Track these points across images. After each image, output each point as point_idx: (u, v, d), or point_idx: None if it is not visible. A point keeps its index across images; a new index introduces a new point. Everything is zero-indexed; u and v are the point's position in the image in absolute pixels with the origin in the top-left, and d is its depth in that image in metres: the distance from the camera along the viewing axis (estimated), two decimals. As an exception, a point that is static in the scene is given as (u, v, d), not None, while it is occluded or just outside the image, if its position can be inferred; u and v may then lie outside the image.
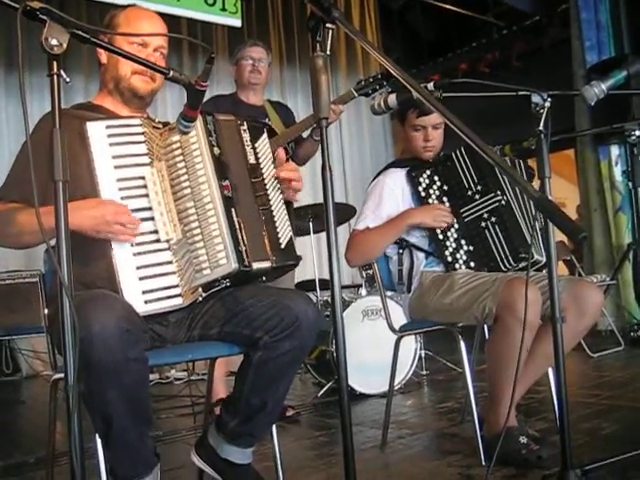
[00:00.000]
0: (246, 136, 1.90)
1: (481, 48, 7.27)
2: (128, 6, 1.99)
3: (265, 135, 1.96)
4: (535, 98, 1.81)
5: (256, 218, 1.83)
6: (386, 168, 2.73)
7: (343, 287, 5.32)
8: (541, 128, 1.79)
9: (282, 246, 1.86)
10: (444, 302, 2.41)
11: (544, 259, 2.41)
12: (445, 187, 2.56)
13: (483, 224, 2.47)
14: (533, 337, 2.21)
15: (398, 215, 2.53)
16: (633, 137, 4.17)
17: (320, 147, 1.41)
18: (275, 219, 1.88)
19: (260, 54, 3.41)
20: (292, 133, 3.19)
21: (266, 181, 1.89)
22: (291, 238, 1.90)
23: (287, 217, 1.92)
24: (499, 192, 2.46)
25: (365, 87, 3.06)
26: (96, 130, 1.73)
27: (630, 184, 5.03)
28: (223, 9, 5.58)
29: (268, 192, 1.89)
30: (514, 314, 2.15)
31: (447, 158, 2.58)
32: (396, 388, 3.60)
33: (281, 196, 1.92)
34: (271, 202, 1.88)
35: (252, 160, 1.89)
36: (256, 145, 1.92)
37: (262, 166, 1.90)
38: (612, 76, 1.79)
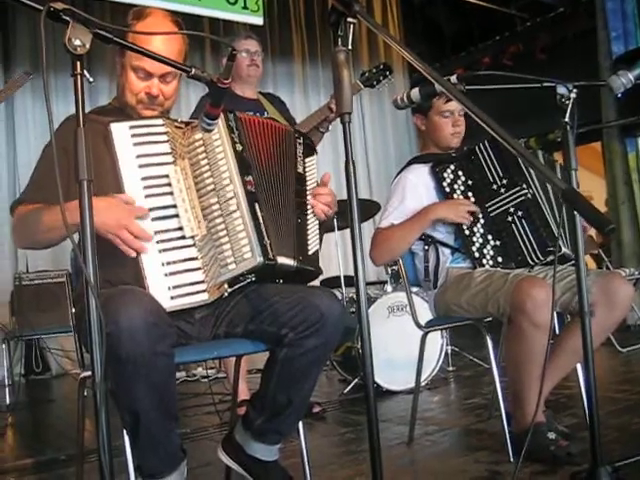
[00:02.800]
0: (300, 148, 1.96)
1: (504, 41, 7.18)
2: (145, 11, 1.92)
3: (315, 157, 2.04)
4: (560, 89, 1.78)
5: (287, 217, 1.85)
6: (408, 164, 2.71)
7: (368, 284, 5.31)
8: (567, 120, 1.77)
9: (309, 252, 1.89)
10: (461, 300, 2.41)
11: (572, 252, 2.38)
12: (470, 182, 2.53)
13: (510, 218, 2.45)
14: (548, 337, 2.18)
15: (421, 210, 2.51)
16: (661, 128, 4.10)
17: (344, 143, 1.40)
18: (308, 227, 1.92)
19: (256, 47, 3.38)
20: (305, 126, 3.19)
21: (308, 192, 1.95)
22: (317, 251, 1.94)
23: (317, 231, 1.96)
24: (525, 185, 2.42)
25: (370, 79, 3.09)
26: (120, 131, 1.75)
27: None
28: (245, 7, 5.59)
29: (308, 202, 1.94)
30: (525, 315, 2.14)
31: (471, 152, 2.55)
32: (423, 384, 3.59)
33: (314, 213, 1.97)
34: (308, 212, 1.93)
35: (300, 170, 1.95)
36: (306, 160, 1.99)
37: (307, 178, 1.97)
38: (639, 65, 1.76)
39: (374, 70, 3.18)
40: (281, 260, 1.76)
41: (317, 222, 1.96)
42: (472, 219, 2.47)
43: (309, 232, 1.92)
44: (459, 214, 2.46)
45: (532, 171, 2.44)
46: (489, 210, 2.49)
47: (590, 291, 2.14)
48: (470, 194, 2.53)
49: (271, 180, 1.86)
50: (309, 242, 1.90)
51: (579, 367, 2.41)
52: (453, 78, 1.87)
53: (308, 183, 1.97)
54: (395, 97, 2.07)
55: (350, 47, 1.40)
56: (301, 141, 1.99)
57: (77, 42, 1.27)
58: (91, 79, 1.31)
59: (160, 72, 1.87)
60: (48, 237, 1.76)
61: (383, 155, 7.25)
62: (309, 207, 1.94)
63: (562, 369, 2.35)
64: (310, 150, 2.03)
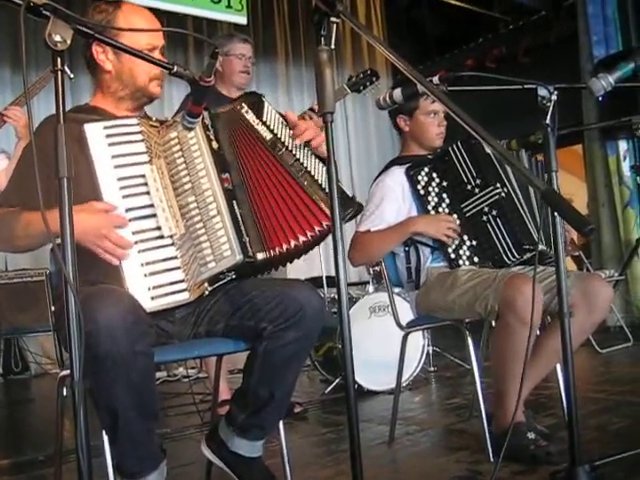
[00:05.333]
0: (251, 116, 1.87)
1: (487, 44, 7.21)
2: (114, 2, 1.92)
3: (267, 104, 1.92)
4: (542, 91, 1.79)
5: (272, 210, 1.79)
6: (387, 167, 2.72)
7: (350, 284, 5.32)
8: (548, 121, 1.78)
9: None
10: (447, 299, 2.40)
11: (549, 250, 2.40)
12: (444, 183, 2.54)
13: (484, 218, 2.45)
14: (536, 334, 2.20)
15: (402, 222, 2.53)
16: (641, 130, 4.14)
17: (325, 143, 1.40)
18: (317, 178, 1.83)
19: (250, 52, 3.35)
20: None
21: (290, 148, 1.86)
22: (340, 188, 1.76)
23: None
24: (499, 184, 2.43)
25: (356, 83, 3.11)
26: (94, 131, 1.73)
27: (639, 179, 5.00)
28: (228, 6, 5.58)
29: (297, 156, 1.84)
30: (514, 312, 2.14)
31: (444, 153, 2.56)
32: (404, 384, 3.59)
33: (311, 152, 1.86)
34: (305, 165, 1.84)
35: (269, 136, 1.86)
36: (264, 120, 1.88)
37: (280, 136, 1.86)
38: (619, 68, 1.78)
39: (361, 75, 3.21)
40: (261, 256, 1.75)
41: (319, 162, 1.85)
42: (454, 237, 2.47)
43: (320, 181, 1.81)
44: (440, 230, 2.46)
45: (508, 170, 2.45)
46: (464, 211, 2.49)
47: (570, 293, 2.16)
48: (445, 195, 2.54)
49: (252, 175, 1.83)
50: (326, 190, 1.78)
51: (559, 368, 2.43)
52: (435, 79, 1.88)
53: (282, 137, 1.86)
54: (378, 97, 2.07)
55: (333, 46, 1.40)
56: (246, 108, 1.89)
57: (57, 38, 1.26)
58: (71, 75, 1.30)
59: (162, 42, 1.91)
60: (27, 243, 1.77)
61: (366, 155, 7.26)
62: (302, 159, 1.84)
63: (542, 369, 2.36)
64: (258, 105, 1.92)
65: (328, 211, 1.76)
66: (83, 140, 1.71)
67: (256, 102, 1.93)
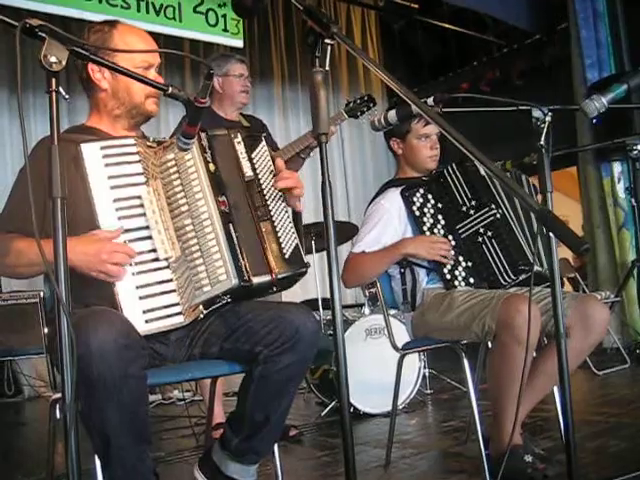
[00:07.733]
0: (240, 148, 1.87)
1: (482, 67, 7.29)
2: (110, 22, 1.94)
3: (263, 144, 1.93)
4: (536, 113, 1.80)
5: (254, 232, 1.79)
6: (383, 189, 2.72)
7: (346, 306, 5.30)
8: (542, 143, 1.78)
9: (286, 256, 1.81)
10: (444, 320, 2.39)
11: (545, 270, 2.39)
12: (439, 205, 2.54)
13: (480, 239, 2.45)
14: (532, 355, 2.18)
15: (393, 244, 2.52)
16: (635, 152, 4.15)
17: (320, 164, 1.40)
18: (277, 230, 1.83)
19: (247, 72, 3.39)
20: (288, 152, 3.20)
21: (265, 192, 1.86)
22: (297, 246, 1.85)
23: (291, 226, 1.87)
24: (493, 206, 2.43)
25: (354, 109, 3.16)
26: (91, 151, 1.73)
27: (633, 200, 5.01)
28: (225, 30, 5.63)
29: (268, 203, 1.84)
30: (512, 332, 2.13)
31: (439, 175, 2.57)
32: (400, 407, 3.57)
33: (283, 205, 1.87)
34: (272, 213, 1.84)
35: (249, 173, 1.86)
36: (252, 156, 1.89)
37: (260, 177, 1.87)
38: (612, 90, 1.78)
39: (358, 101, 3.24)
40: (257, 280, 1.73)
41: (287, 216, 1.87)
42: (446, 259, 2.46)
43: (280, 234, 1.82)
44: (431, 252, 2.45)
45: (501, 191, 2.46)
46: (459, 232, 2.49)
47: (566, 314, 2.15)
48: (440, 217, 2.54)
49: (238, 196, 1.82)
50: (283, 245, 1.82)
51: (556, 390, 2.41)
52: (430, 100, 1.88)
53: (262, 180, 1.86)
54: (372, 119, 2.08)
55: (327, 68, 1.40)
56: (239, 139, 1.88)
57: (53, 59, 1.26)
58: (66, 96, 1.30)
59: (158, 61, 1.92)
60: (20, 271, 1.77)
61: (362, 177, 7.29)
62: (271, 207, 1.84)
63: (539, 391, 2.35)
64: (254, 141, 1.92)
65: (274, 265, 1.77)
66: (79, 160, 1.71)
67: (253, 138, 1.93)
